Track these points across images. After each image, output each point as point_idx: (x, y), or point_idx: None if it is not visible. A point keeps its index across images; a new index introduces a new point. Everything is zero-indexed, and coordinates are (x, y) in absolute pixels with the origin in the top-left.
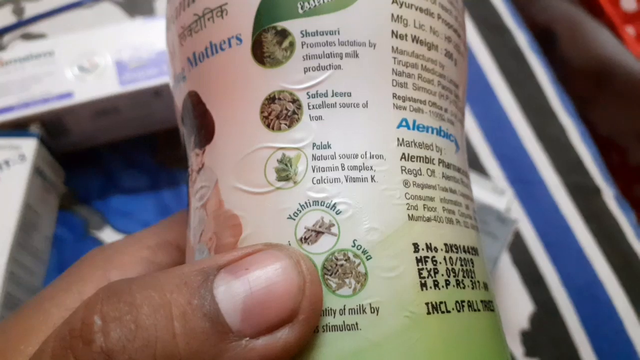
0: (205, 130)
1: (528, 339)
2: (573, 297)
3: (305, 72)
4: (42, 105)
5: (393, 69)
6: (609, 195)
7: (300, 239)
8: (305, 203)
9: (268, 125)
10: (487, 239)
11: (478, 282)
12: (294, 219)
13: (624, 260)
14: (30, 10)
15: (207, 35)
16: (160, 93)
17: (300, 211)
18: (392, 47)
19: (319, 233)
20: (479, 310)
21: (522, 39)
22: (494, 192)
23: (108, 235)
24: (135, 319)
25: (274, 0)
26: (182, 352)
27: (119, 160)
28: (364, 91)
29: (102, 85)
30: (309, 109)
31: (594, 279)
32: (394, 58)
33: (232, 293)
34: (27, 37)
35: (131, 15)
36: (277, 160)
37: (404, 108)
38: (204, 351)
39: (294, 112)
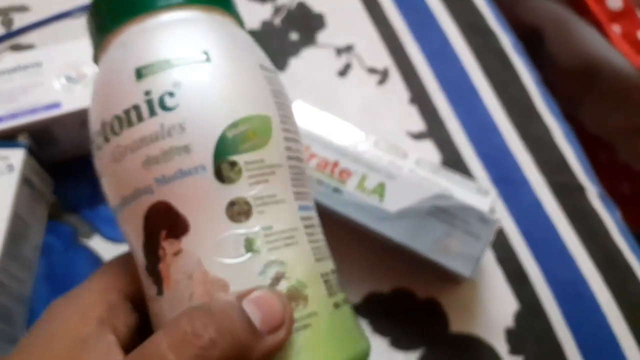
0: (180, 226)
1: (513, 336)
2: (557, 294)
3: (250, 185)
4: (30, 116)
5: (291, 178)
6: (593, 193)
7: (269, 285)
8: (267, 263)
9: (232, 220)
10: (469, 238)
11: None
12: (263, 274)
13: (608, 257)
14: (19, 22)
15: (177, 164)
16: None
17: (265, 269)
18: (289, 166)
19: (279, 279)
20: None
21: (505, 40)
22: (478, 193)
23: (97, 243)
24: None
25: (225, 143)
26: (243, 341)
27: None
28: (281, 193)
29: (90, 95)
30: (256, 207)
31: (578, 277)
32: (290, 171)
33: (251, 309)
34: (16, 48)
35: None
36: (244, 240)
37: (299, 198)
38: (251, 337)
39: (248, 210)
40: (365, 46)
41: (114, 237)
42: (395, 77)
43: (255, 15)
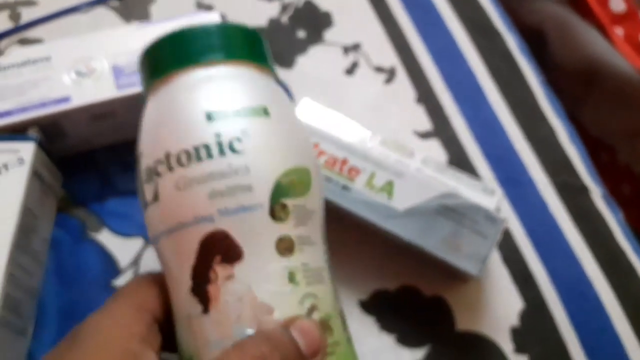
0: (234, 253)
1: (518, 335)
2: (562, 294)
3: (294, 226)
4: (40, 110)
5: (321, 224)
6: (597, 194)
7: (306, 314)
8: (304, 294)
9: (279, 253)
10: (476, 237)
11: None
12: (301, 304)
13: (611, 258)
14: (26, 16)
15: (239, 200)
16: None
17: (303, 300)
18: (321, 212)
19: (313, 310)
20: None
21: (511, 42)
22: (484, 192)
23: (105, 236)
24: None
25: (280, 187)
26: None
27: (116, 163)
28: (314, 235)
29: (99, 89)
30: (298, 245)
31: (582, 277)
32: (321, 217)
33: (298, 335)
34: (24, 42)
35: (127, 20)
36: (287, 272)
37: (324, 242)
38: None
39: (292, 247)
40: (372, 45)
41: (122, 230)
42: (402, 76)
43: (262, 12)
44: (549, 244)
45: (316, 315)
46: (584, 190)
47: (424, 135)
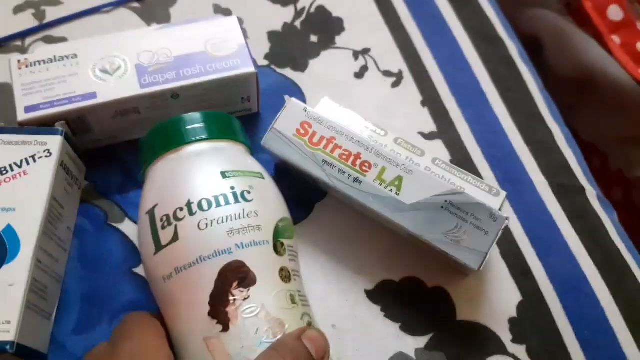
0: (250, 279)
1: (516, 326)
2: (558, 288)
3: (289, 260)
4: (67, 105)
5: (298, 263)
6: (593, 195)
7: (307, 325)
8: (303, 313)
9: (283, 280)
10: (479, 233)
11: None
12: (302, 319)
13: (607, 255)
14: (50, 15)
15: (252, 237)
16: (177, 95)
17: (302, 317)
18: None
19: (310, 324)
20: None
21: (513, 49)
22: (490, 193)
23: (127, 227)
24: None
25: (278, 229)
26: None
27: (137, 158)
28: (299, 270)
29: (124, 86)
30: (292, 275)
31: (578, 273)
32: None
33: (309, 344)
34: (48, 40)
35: (147, 22)
36: (289, 295)
37: (301, 277)
38: None
39: (289, 276)
40: (381, 50)
41: None
42: (408, 80)
43: (277, 17)
44: (547, 241)
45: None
46: (580, 190)
47: (429, 136)
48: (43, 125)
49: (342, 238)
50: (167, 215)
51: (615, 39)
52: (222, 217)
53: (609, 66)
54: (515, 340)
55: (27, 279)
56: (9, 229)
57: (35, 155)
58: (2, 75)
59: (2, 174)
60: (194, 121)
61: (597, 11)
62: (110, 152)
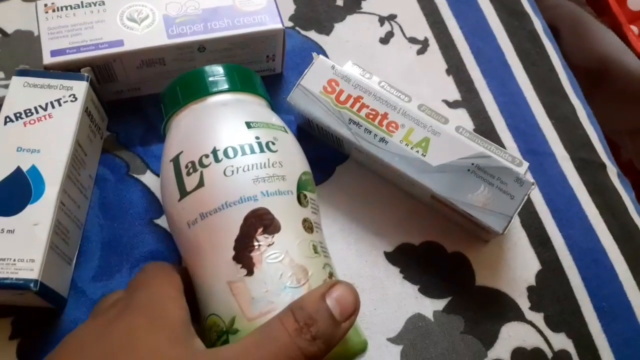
0: (275, 226)
1: (534, 294)
2: (577, 259)
3: (312, 213)
4: (94, 51)
5: (321, 217)
6: (613, 172)
7: (328, 276)
8: (324, 263)
9: (305, 230)
10: (504, 197)
11: None
12: (324, 269)
13: (626, 231)
14: None
15: (277, 186)
16: (204, 48)
17: (324, 266)
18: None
19: (331, 275)
20: None
21: (538, 24)
22: (512, 163)
23: (149, 178)
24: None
25: (302, 182)
26: (330, 332)
27: (159, 111)
28: (321, 223)
29: (151, 36)
30: (314, 227)
31: (597, 246)
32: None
33: (333, 304)
34: None
35: None
36: (312, 245)
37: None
38: (333, 327)
39: (311, 227)
40: (406, 17)
41: None
42: (434, 48)
43: None
44: (567, 213)
45: (334, 279)
46: (601, 167)
47: (453, 105)
48: (68, 71)
49: (362, 201)
50: (193, 162)
51: (634, 28)
52: (248, 165)
53: (624, 57)
54: (533, 307)
55: (52, 220)
56: (34, 169)
57: (60, 99)
58: (25, 23)
59: (27, 116)
60: (218, 73)
61: (617, 1)
62: (133, 104)
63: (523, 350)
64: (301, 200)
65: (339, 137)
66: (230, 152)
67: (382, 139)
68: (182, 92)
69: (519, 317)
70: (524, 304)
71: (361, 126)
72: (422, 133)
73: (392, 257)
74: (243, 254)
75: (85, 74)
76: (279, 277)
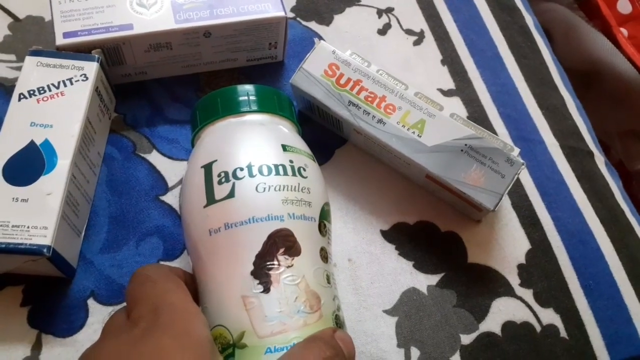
0: (296, 249)
1: (524, 271)
2: (565, 240)
3: (328, 243)
4: (104, 34)
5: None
6: (600, 160)
7: (337, 309)
8: (334, 295)
9: (321, 259)
10: (495, 175)
11: None
12: (334, 301)
13: (612, 214)
14: None
15: (303, 210)
16: (210, 34)
17: (334, 298)
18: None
19: (339, 308)
20: None
21: (529, 19)
22: (504, 149)
23: (154, 157)
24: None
25: (324, 211)
26: None
27: (165, 94)
28: (332, 255)
29: (159, 21)
30: (329, 257)
31: (584, 228)
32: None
33: (341, 344)
34: None
35: None
36: (326, 274)
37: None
38: None
39: (327, 257)
40: (403, 10)
41: (170, 154)
42: (429, 39)
43: None
44: (556, 196)
45: (340, 313)
46: (589, 155)
47: (447, 93)
48: (80, 52)
49: (360, 182)
50: (226, 172)
51: (624, 31)
52: (280, 186)
53: (614, 59)
54: (523, 284)
55: (64, 190)
56: (47, 143)
57: (72, 78)
58: (36, 9)
59: (40, 93)
60: (260, 93)
61: (607, 3)
62: (139, 88)
63: (513, 324)
64: (321, 229)
65: (339, 118)
66: (265, 170)
67: (380, 120)
68: (222, 104)
69: (509, 292)
70: (514, 280)
71: (360, 108)
72: (418, 115)
73: (388, 235)
74: (262, 270)
75: (96, 55)
76: (294, 299)
